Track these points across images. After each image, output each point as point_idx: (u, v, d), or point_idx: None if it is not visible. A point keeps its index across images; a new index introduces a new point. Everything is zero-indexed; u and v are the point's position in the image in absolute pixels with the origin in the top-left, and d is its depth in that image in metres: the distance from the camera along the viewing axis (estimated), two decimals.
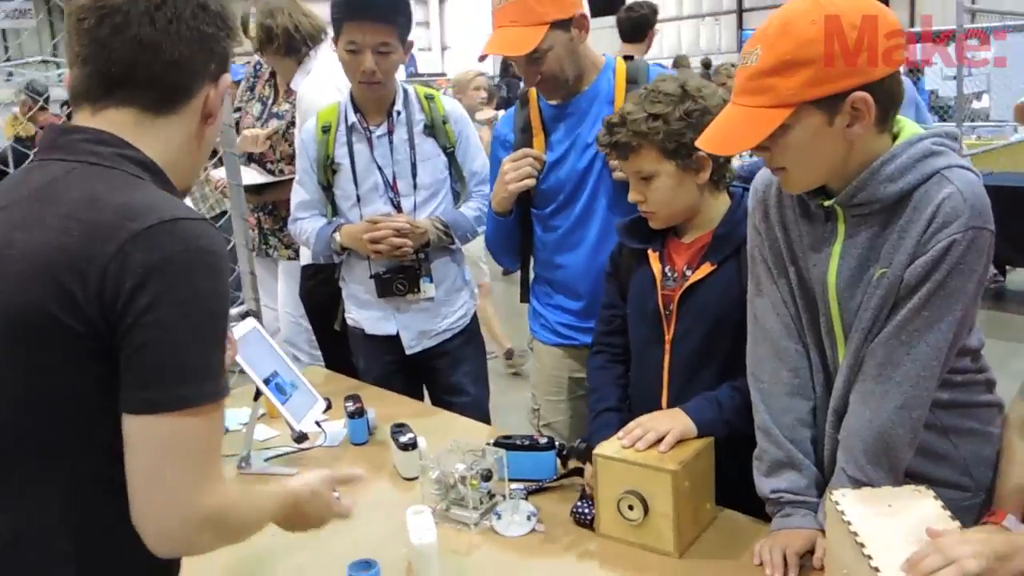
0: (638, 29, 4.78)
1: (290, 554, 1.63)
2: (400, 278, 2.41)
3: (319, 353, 3.13)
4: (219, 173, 3.05)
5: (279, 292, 3.30)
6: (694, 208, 1.75)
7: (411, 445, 1.88)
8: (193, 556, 1.12)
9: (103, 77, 1.08)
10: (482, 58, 2.19)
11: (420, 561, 1.49)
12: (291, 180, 2.77)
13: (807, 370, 1.54)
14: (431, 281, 2.45)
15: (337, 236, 2.41)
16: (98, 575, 1.06)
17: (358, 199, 2.43)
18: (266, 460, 2.02)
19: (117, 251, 0.98)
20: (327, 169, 2.44)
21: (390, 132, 2.41)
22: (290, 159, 3.08)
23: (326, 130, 2.44)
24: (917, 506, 1.29)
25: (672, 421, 1.60)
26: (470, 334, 2.58)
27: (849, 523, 1.26)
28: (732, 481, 1.64)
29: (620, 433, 1.61)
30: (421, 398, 2.60)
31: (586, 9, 2.05)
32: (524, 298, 2.40)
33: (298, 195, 2.53)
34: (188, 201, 2.68)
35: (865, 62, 1.27)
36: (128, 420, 1.00)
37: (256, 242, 3.24)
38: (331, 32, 2.56)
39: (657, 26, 4.92)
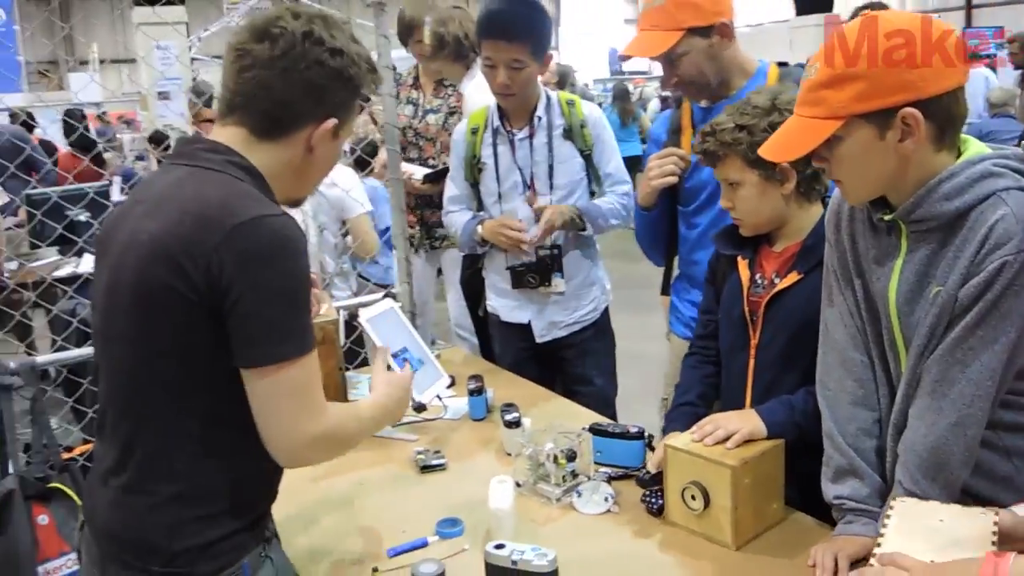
0: None
1: (390, 507, 1.86)
2: (532, 272, 2.60)
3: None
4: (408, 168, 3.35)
5: (446, 280, 3.56)
6: (781, 217, 1.81)
7: (515, 423, 2.06)
8: (315, 464, 1.49)
9: (228, 100, 1.39)
10: (623, 58, 2.30)
11: (496, 523, 1.66)
12: (445, 169, 3.05)
13: (872, 381, 1.56)
14: (562, 277, 2.61)
15: (479, 229, 2.64)
16: (198, 493, 1.33)
17: (500, 196, 2.64)
18: (393, 426, 2.27)
19: (221, 240, 1.24)
20: (473, 167, 2.67)
21: (531, 136, 2.59)
22: (449, 150, 3.36)
23: (474, 132, 2.67)
24: (967, 525, 1.28)
25: (743, 421, 1.67)
26: (600, 328, 2.72)
27: (885, 525, 1.29)
28: (815, 484, 1.69)
29: (694, 428, 1.70)
30: (552, 386, 2.75)
31: (732, 18, 2.12)
32: (665, 291, 2.52)
33: (449, 190, 2.78)
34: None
35: (917, 79, 1.31)
36: (243, 373, 1.28)
37: (419, 237, 3.51)
38: None
39: None
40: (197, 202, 1.29)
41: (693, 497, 1.64)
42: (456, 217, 2.75)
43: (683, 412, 1.91)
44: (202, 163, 1.34)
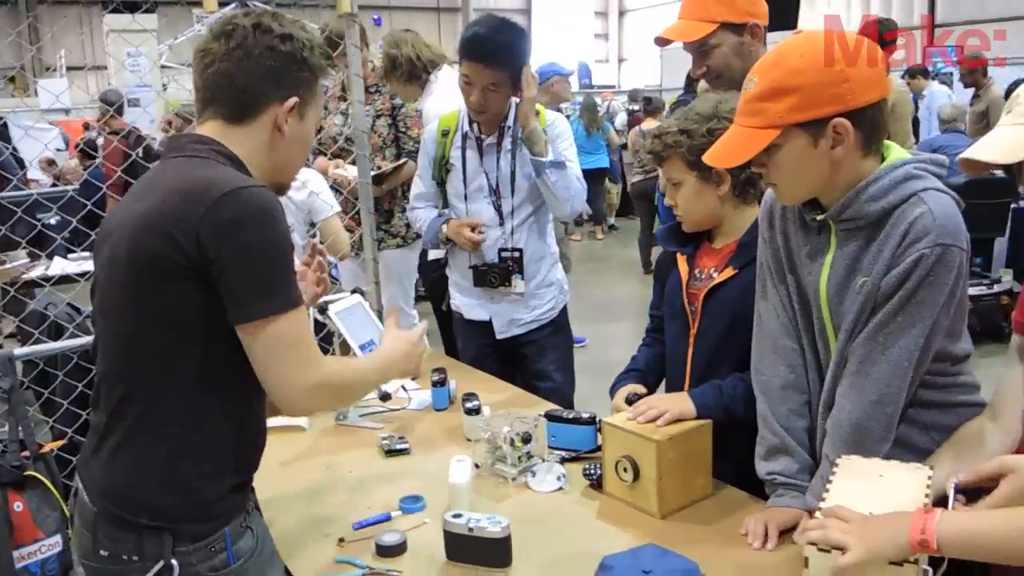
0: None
1: (356, 488, 1.98)
2: (494, 272, 2.73)
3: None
4: (344, 173, 3.49)
5: (396, 276, 3.68)
6: (718, 216, 1.96)
7: (475, 411, 2.19)
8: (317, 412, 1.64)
9: (200, 98, 1.53)
10: (658, 40, 2.36)
11: (453, 496, 1.79)
12: (399, 167, 3.18)
13: (803, 367, 1.71)
14: (522, 278, 2.75)
15: (444, 228, 2.77)
16: (187, 451, 1.45)
17: (465, 197, 2.77)
18: (360, 416, 2.39)
19: (206, 211, 1.36)
20: (441, 167, 2.81)
21: (498, 142, 2.73)
22: (381, 152, 3.53)
23: (445, 133, 2.80)
24: (904, 480, 1.40)
25: (674, 402, 1.82)
26: (557, 326, 2.86)
27: (831, 481, 1.41)
28: (749, 464, 1.83)
29: (630, 409, 1.84)
30: (513, 382, 2.86)
31: (763, 21, 2.25)
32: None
33: (416, 187, 2.91)
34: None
35: (846, 92, 1.46)
36: (238, 330, 1.40)
37: (358, 240, 3.62)
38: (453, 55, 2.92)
39: None
40: (183, 180, 1.42)
41: (625, 470, 1.78)
42: (421, 213, 2.88)
43: (628, 376, 2.12)
44: (189, 152, 1.48)
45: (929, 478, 1.40)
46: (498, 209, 2.75)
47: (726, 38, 2.21)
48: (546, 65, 5.97)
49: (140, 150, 4.29)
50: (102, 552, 1.44)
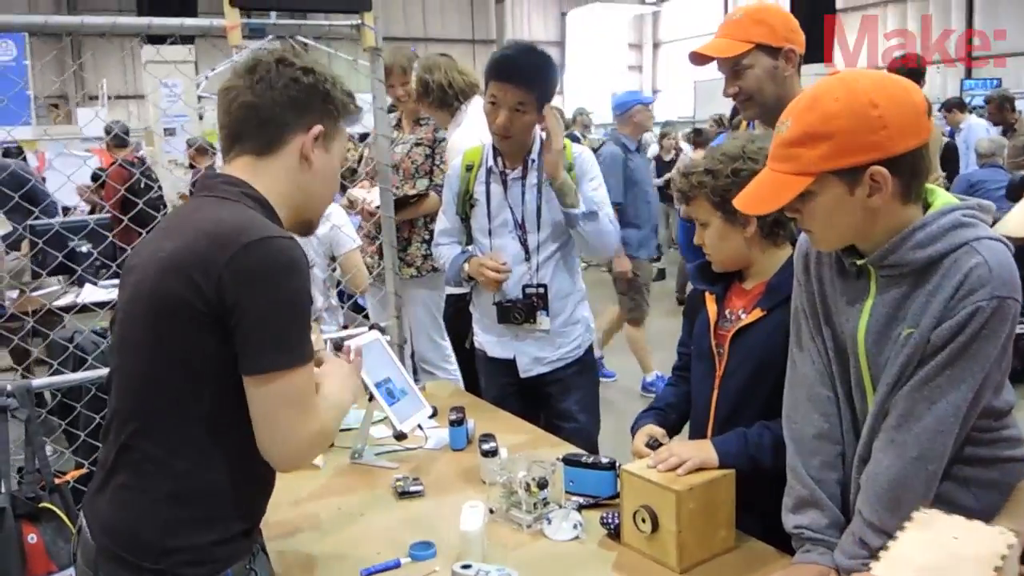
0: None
1: (366, 531, 1.92)
2: (519, 308, 2.68)
3: (454, 368, 3.45)
4: (361, 194, 3.47)
5: (411, 311, 3.63)
6: (745, 258, 1.91)
7: (492, 452, 2.13)
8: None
9: (226, 136, 1.55)
10: (693, 57, 2.32)
11: (465, 545, 1.73)
12: (421, 196, 3.17)
13: (837, 416, 1.64)
14: (547, 315, 2.69)
15: (466, 266, 2.73)
16: (194, 496, 1.42)
17: (490, 232, 2.73)
18: (376, 455, 2.34)
19: (231, 258, 1.36)
20: (465, 202, 2.77)
21: (523, 176, 2.68)
22: (412, 179, 3.53)
23: (469, 168, 2.77)
24: (978, 542, 1.24)
25: (696, 450, 1.75)
26: (583, 365, 2.79)
27: (895, 536, 1.27)
28: (778, 518, 1.75)
29: (651, 456, 1.78)
30: (536, 422, 2.79)
31: (800, 49, 2.23)
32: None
33: (440, 223, 2.88)
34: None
35: (884, 139, 1.39)
36: (246, 380, 1.39)
37: (379, 268, 3.61)
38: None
39: None
40: (212, 223, 1.42)
41: (643, 520, 1.71)
42: (445, 251, 2.84)
43: (649, 414, 2.07)
44: (220, 193, 1.49)
45: (1010, 546, 1.25)
46: (524, 244, 2.70)
47: (760, 60, 2.18)
48: (626, 94, 5.88)
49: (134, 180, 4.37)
50: None
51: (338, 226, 3.25)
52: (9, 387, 2.47)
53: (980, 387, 1.43)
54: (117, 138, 6.97)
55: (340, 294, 3.76)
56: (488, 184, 2.72)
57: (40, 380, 2.64)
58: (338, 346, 2.20)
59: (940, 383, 1.43)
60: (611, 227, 2.69)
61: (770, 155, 1.51)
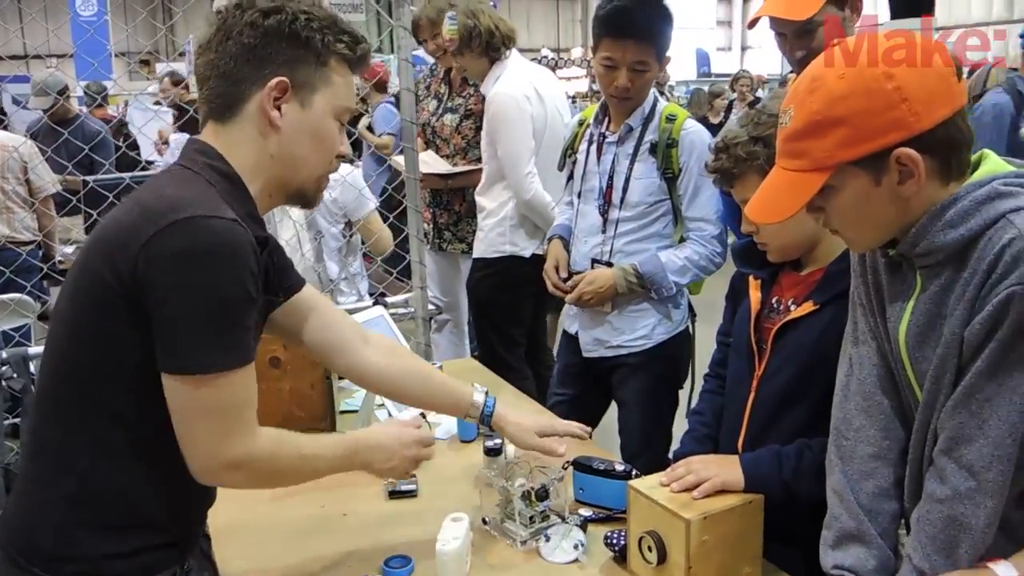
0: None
1: (343, 538, 1.70)
2: None
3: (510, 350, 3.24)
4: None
5: (463, 289, 3.43)
6: (812, 238, 1.58)
7: (495, 451, 1.87)
8: (232, 490, 1.35)
9: (199, 99, 1.34)
10: (752, 23, 2.10)
11: (440, 567, 1.49)
12: (472, 171, 2.92)
13: (900, 431, 1.33)
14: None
15: (545, 246, 2.59)
16: (91, 498, 1.23)
17: (579, 195, 2.49)
18: None
19: (152, 236, 1.15)
20: (567, 158, 2.56)
21: (619, 142, 2.40)
22: (463, 153, 3.26)
23: (581, 123, 2.54)
24: None
25: (719, 467, 1.46)
26: (649, 358, 2.47)
27: None
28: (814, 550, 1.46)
29: (665, 472, 1.50)
30: (594, 407, 2.61)
31: None
32: None
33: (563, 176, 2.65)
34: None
35: (906, 114, 1.11)
36: (163, 379, 1.19)
37: (431, 236, 3.40)
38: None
39: None
40: (153, 195, 1.24)
41: (649, 548, 1.44)
42: (557, 216, 2.69)
43: (693, 437, 1.77)
44: (187, 163, 1.29)
45: None
46: (604, 215, 2.42)
47: (830, 14, 1.90)
48: None
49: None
50: None
51: (354, 186, 2.99)
52: (4, 355, 2.34)
53: None
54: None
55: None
56: (589, 144, 2.47)
57: (36, 348, 2.50)
58: None
59: (988, 395, 1.14)
60: (699, 259, 2.37)
61: (777, 151, 1.24)
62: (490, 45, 3.06)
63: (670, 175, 2.36)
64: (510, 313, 3.17)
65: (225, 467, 1.25)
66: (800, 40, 1.94)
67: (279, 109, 1.30)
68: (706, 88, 10.83)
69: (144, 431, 1.24)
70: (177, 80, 8.49)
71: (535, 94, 3.03)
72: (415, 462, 1.57)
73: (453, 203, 3.41)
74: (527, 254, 3.08)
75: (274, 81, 1.28)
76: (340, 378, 2.40)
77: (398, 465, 1.53)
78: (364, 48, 1.37)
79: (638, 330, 2.45)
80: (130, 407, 1.23)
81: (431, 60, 3.75)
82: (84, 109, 7.42)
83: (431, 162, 3.29)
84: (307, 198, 1.41)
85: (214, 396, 1.20)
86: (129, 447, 1.24)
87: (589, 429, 1.76)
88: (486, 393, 1.70)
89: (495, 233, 3.09)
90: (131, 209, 1.22)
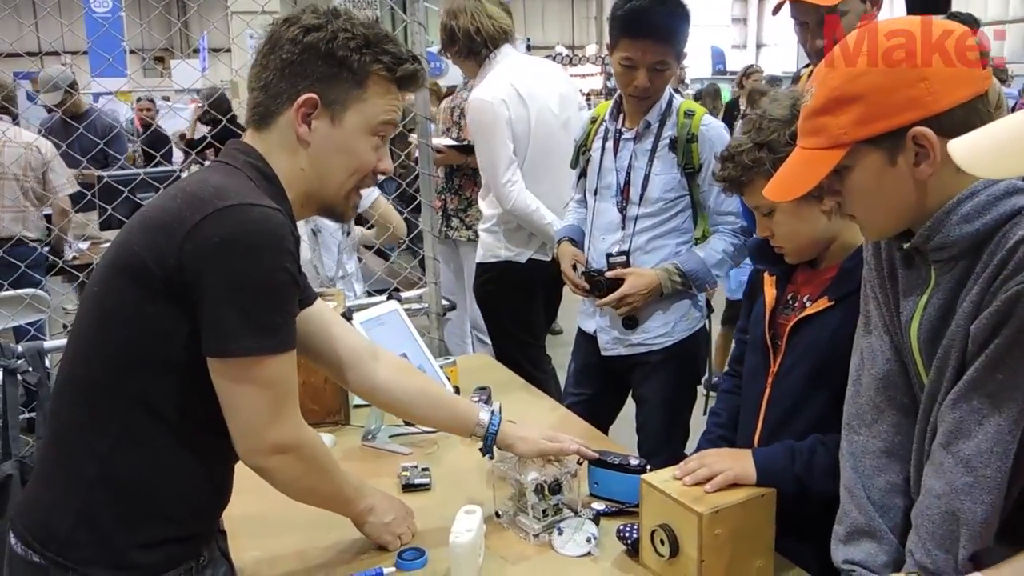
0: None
1: (356, 531, 1.70)
2: (599, 282, 2.40)
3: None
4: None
5: (467, 276, 3.41)
6: (827, 236, 1.58)
7: None
8: (246, 482, 1.37)
9: (247, 106, 1.39)
10: (777, 8, 2.09)
11: (453, 560, 1.49)
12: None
13: (911, 428, 1.32)
14: None
15: (555, 248, 2.55)
16: (111, 485, 1.24)
17: (595, 192, 2.47)
18: (390, 437, 2.12)
19: (200, 222, 1.18)
20: (581, 155, 2.54)
21: (636, 138, 2.39)
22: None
23: (594, 120, 2.52)
24: None
25: (732, 461, 1.46)
26: (669, 355, 2.46)
27: None
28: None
29: (679, 465, 1.50)
30: (611, 406, 2.62)
31: None
32: None
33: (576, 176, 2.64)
34: None
35: (924, 92, 1.10)
36: (210, 363, 1.23)
37: (440, 224, 3.38)
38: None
39: None
40: (197, 184, 1.27)
41: (662, 542, 1.44)
42: (568, 216, 2.65)
43: (708, 440, 1.77)
44: (229, 160, 1.34)
45: None
46: (622, 212, 2.41)
47: (853, 4, 1.93)
48: None
49: None
50: None
51: None
52: (19, 348, 2.36)
53: None
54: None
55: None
56: (604, 140, 2.46)
57: (51, 342, 2.52)
58: (346, 316, 1.99)
59: (991, 390, 1.13)
60: (731, 248, 2.37)
61: (799, 130, 1.24)
62: (470, 49, 2.98)
63: (691, 170, 2.36)
64: (513, 316, 3.13)
65: (272, 449, 1.29)
66: (822, 28, 1.93)
67: (309, 125, 1.33)
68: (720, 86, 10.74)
69: (170, 419, 1.25)
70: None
71: (515, 96, 2.89)
72: (408, 529, 1.63)
73: (465, 188, 3.38)
74: (523, 259, 3.03)
75: (303, 98, 1.32)
76: None
77: (394, 523, 1.61)
78: (408, 69, 1.37)
79: (659, 327, 2.44)
80: (158, 394, 1.25)
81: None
82: (98, 104, 7.48)
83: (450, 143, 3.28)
84: (336, 212, 1.45)
85: (262, 378, 1.24)
86: (154, 435, 1.25)
87: (596, 455, 1.75)
88: (492, 412, 1.70)
89: (491, 238, 3.06)
90: (175, 196, 1.25)
